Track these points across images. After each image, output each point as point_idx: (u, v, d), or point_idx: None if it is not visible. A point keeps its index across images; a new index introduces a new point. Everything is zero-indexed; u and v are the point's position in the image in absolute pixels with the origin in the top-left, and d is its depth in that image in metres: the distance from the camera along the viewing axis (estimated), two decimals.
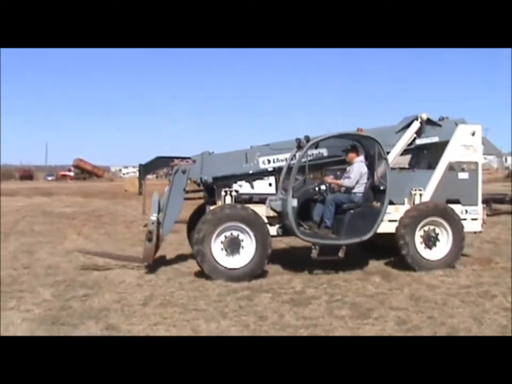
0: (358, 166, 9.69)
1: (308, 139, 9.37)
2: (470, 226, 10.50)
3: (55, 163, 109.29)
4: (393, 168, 10.32)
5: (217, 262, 9.03)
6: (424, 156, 11.25)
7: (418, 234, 9.71)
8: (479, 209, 10.52)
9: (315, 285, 8.68)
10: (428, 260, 9.68)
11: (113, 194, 36.29)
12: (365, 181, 9.68)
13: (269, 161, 10.10)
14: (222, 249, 9.12)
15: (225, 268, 9.03)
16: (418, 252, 9.63)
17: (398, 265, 9.96)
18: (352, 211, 9.43)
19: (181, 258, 11.04)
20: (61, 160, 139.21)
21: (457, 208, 10.34)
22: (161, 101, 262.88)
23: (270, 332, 6.29)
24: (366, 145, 9.99)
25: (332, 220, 9.47)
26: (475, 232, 10.89)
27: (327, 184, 9.87)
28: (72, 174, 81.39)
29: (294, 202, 9.19)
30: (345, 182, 9.72)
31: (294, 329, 6.43)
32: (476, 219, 10.51)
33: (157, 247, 9.87)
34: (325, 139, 9.62)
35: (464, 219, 10.40)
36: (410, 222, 9.65)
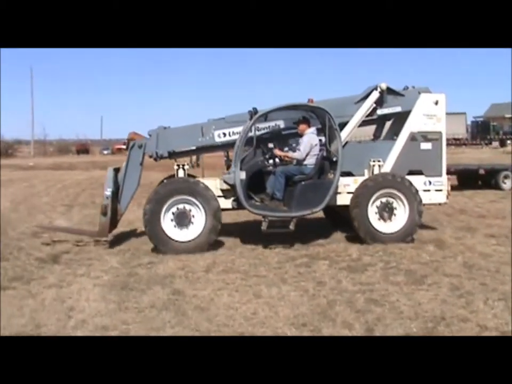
0: (307, 138, 9.55)
1: (255, 111, 9.27)
2: (434, 197, 10.28)
3: (110, 137, 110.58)
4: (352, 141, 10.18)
5: (168, 237, 9.09)
6: (388, 127, 11.02)
7: (373, 206, 9.54)
8: (443, 180, 10.26)
9: (371, 253, 8.86)
10: (382, 233, 9.47)
11: (168, 166, 36.27)
12: (316, 152, 9.53)
13: (225, 135, 10.03)
14: (172, 223, 9.17)
15: (176, 241, 9.10)
16: (371, 224, 9.43)
17: (452, 235, 10.21)
18: (302, 183, 9.33)
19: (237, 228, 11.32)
20: (115, 134, 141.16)
21: (420, 179, 10.12)
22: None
23: (329, 297, 6.56)
24: (319, 117, 9.83)
25: (282, 192, 9.39)
26: (440, 204, 10.65)
27: (278, 156, 9.77)
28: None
29: (242, 175, 9.14)
30: (295, 155, 9.61)
31: (351, 294, 6.69)
32: (440, 190, 10.26)
33: (115, 222, 9.98)
34: (273, 111, 9.48)
35: (428, 190, 10.19)
36: (363, 193, 9.48)
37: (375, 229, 9.45)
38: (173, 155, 10.13)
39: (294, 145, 10.21)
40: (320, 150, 9.60)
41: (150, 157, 10.10)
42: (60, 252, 9.30)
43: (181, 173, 9.67)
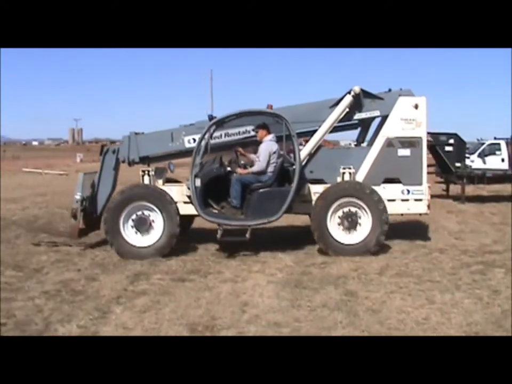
0: (265, 146, 9.25)
1: (211, 118, 9.15)
2: (413, 207, 9.69)
3: None
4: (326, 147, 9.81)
5: (128, 243, 9.20)
6: (369, 132, 10.49)
7: (334, 216, 9.12)
8: (423, 189, 9.63)
9: None
10: (343, 244, 9.05)
11: None
12: (275, 160, 9.24)
13: (195, 140, 9.96)
14: (132, 227, 9.27)
15: (135, 246, 9.19)
16: (331, 235, 9.03)
17: None
18: (259, 191, 9.11)
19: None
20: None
21: (397, 187, 9.58)
22: None
23: (504, 306, 6.40)
24: (278, 123, 9.50)
25: (238, 200, 9.19)
26: (420, 214, 10.03)
27: (234, 163, 9.57)
28: None
29: (197, 182, 9.07)
30: (255, 168, 9.29)
31: None
32: (420, 200, 9.64)
33: (90, 226, 10.24)
34: (228, 117, 9.30)
35: (406, 199, 9.62)
36: (322, 203, 9.09)
37: (335, 240, 9.05)
38: (144, 160, 10.21)
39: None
40: (279, 158, 9.30)
41: (123, 161, 10.24)
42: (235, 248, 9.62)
43: (146, 179, 9.73)
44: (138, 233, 9.27)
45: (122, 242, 9.18)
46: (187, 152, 10.25)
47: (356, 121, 10.19)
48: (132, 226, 9.27)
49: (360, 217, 9.14)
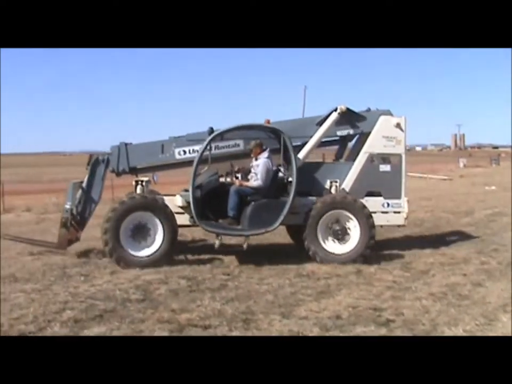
0: (263, 164, 9.58)
1: (211, 131, 9.42)
2: (392, 219, 10.36)
3: None
4: (312, 161, 10.31)
5: (126, 250, 9.21)
6: (350, 148, 11.13)
7: (324, 226, 9.61)
8: (402, 203, 10.34)
9: None
10: (332, 254, 9.54)
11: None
12: (270, 175, 9.64)
13: (185, 152, 10.17)
14: (130, 237, 9.29)
15: (133, 255, 9.23)
16: (320, 245, 9.51)
17: None
18: (256, 202, 9.43)
19: None
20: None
21: (378, 201, 10.22)
22: None
23: None
24: (276, 137, 9.94)
25: (235, 211, 9.47)
26: (398, 226, 10.74)
27: (234, 175, 9.87)
28: None
29: (197, 193, 9.29)
30: (255, 184, 9.59)
31: None
32: (398, 212, 10.34)
33: (75, 236, 10.13)
34: (228, 131, 9.62)
35: (386, 212, 10.28)
36: (311, 214, 9.56)
37: (324, 249, 9.53)
38: (134, 171, 10.28)
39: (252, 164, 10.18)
40: (276, 171, 9.70)
41: (112, 171, 10.25)
42: None
43: (139, 189, 9.81)
44: (137, 242, 9.32)
45: (122, 253, 9.19)
46: (177, 164, 10.43)
47: (337, 138, 10.78)
48: (131, 236, 9.30)
49: (346, 228, 9.68)
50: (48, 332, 5.93)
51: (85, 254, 10.21)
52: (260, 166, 9.61)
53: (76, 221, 9.97)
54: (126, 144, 10.21)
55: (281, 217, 9.35)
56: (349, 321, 6.34)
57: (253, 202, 9.43)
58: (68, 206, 9.84)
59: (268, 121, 9.73)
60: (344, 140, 10.95)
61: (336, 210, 9.62)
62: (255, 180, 9.60)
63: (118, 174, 10.29)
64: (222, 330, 6.01)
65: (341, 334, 5.81)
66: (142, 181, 9.86)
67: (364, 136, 10.49)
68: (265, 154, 9.72)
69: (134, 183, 9.87)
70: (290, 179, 9.58)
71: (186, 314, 6.47)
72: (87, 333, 5.93)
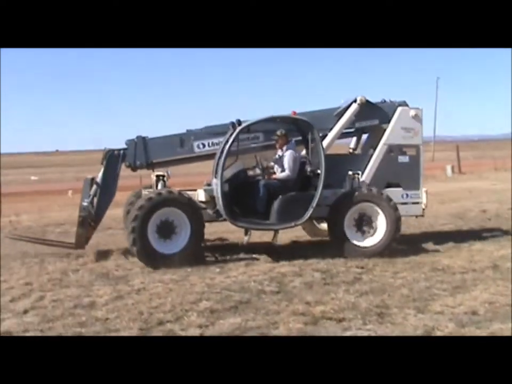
0: (289, 154, 9.44)
1: (239, 123, 9.18)
2: (410, 210, 10.39)
3: None
4: (331, 154, 10.20)
5: (154, 249, 8.82)
6: (367, 139, 11.11)
7: (351, 219, 9.53)
8: (420, 193, 10.38)
9: None
10: (359, 247, 9.47)
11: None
12: (297, 166, 9.50)
13: (204, 145, 9.92)
14: (157, 235, 8.90)
15: (161, 253, 8.84)
16: (346, 237, 9.42)
17: None
18: (284, 196, 9.26)
19: None
20: None
21: (397, 192, 10.22)
22: None
23: None
24: (300, 129, 9.81)
25: (265, 205, 9.30)
26: (416, 216, 10.80)
27: (261, 168, 9.67)
28: None
29: (225, 187, 9.04)
30: (282, 175, 9.46)
31: None
32: (417, 203, 10.38)
33: (92, 234, 9.72)
34: (257, 122, 9.43)
35: (405, 203, 10.29)
36: (338, 207, 9.50)
37: (350, 242, 9.44)
38: (150, 165, 9.94)
39: (277, 156, 9.98)
40: (302, 163, 9.57)
41: (128, 166, 9.88)
42: None
43: (160, 185, 9.46)
44: (163, 240, 8.95)
45: (149, 249, 8.78)
46: (195, 158, 10.16)
47: (353, 129, 10.73)
48: (157, 233, 8.90)
49: (372, 220, 9.63)
50: (185, 322, 6.04)
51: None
52: (286, 156, 9.45)
53: (91, 218, 9.57)
54: (143, 138, 9.86)
55: (310, 210, 9.23)
56: (485, 317, 6.23)
57: (280, 196, 9.25)
58: (85, 204, 9.43)
59: (294, 113, 9.57)
60: (361, 131, 10.91)
61: (363, 203, 9.55)
62: (283, 171, 9.43)
63: (134, 168, 9.95)
64: (356, 324, 6.00)
65: (477, 331, 5.72)
66: (163, 176, 9.49)
67: (379, 128, 10.48)
68: (291, 145, 9.60)
69: (154, 178, 9.48)
70: (313, 171, 9.46)
71: (320, 307, 6.48)
72: (222, 323, 6.02)
